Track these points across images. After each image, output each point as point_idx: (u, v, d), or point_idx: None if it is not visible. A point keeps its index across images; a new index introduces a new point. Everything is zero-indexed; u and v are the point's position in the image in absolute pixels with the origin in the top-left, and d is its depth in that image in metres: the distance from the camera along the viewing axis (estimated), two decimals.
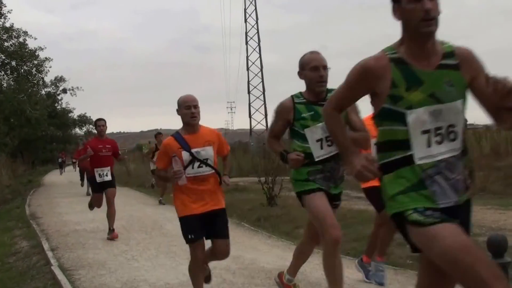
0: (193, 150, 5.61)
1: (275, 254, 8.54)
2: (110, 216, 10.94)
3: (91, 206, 12.00)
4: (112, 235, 10.69)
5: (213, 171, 5.71)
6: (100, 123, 11.11)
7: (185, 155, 5.58)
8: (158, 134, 18.36)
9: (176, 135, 5.75)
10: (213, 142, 5.76)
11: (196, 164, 5.61)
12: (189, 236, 5.62)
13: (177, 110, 5.76)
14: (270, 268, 7.56)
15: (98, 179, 10.87)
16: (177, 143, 5.66)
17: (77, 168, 49.48)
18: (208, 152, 5.67)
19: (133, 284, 7.10)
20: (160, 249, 9.43)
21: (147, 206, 16.98)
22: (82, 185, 23.65)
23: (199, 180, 5.62)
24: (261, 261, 8.02)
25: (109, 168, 10.98)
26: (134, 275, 7.59)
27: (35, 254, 9.75)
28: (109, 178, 10.95)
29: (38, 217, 15.22)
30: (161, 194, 17.44)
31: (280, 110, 5.26)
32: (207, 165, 5.65)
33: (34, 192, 26.37)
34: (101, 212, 15.23)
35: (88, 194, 21.77)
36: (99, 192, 11.10)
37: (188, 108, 5.61)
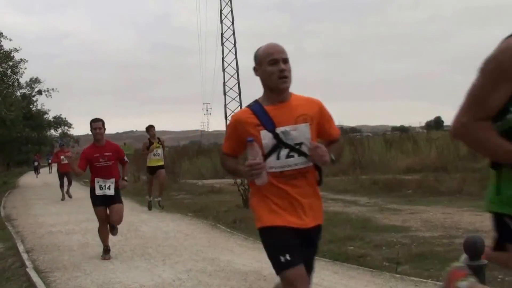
0: (280, 130, 3.63)
1: (251, 256, 8.55)
2: (110, 229, 9.14)
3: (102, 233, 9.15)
4: (105, 257, 8.82)
5: (311, 163, 3.71)
6: (95, 125, 8.79)
7: (267, 136, 3.64)
8: (150, 127, 15.75)
9: (255, 105, 3.77)
10: (311, 118, 3.72)
11: (284, 152, 3.65)
12: (282, 258, 3.54)
13: (254, 68, 3.79)
14: (246, 270, 7.58)
15: (98, 192, 8.75)
16: (254, 117, 3.70)
17: (53, 170, 49.34)
18: (302, 132, 3.65)
19: (108, 286, 7.07)
20: (135, 251, 9.40)
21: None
22: (63, 193, 21.50)
23: (288, 177, 3.67)
24: (237, 263, 8.04)
25: (113, 180, 8.84)
26: (109, 277, 7.56)
27: (10, 256, 9.70)
28: (111, 192, 8.79)
29: (13, 219, 15.13)
30: (150, 194, 15.81)
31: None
32: (301, 153, 3.66)
33: (9, 194, 26.20)
34: (76, 214, 15.21)
35: (62, 199, 20.92)
36: (101, 206, 8.86)
37: (274, 63, 3.61)
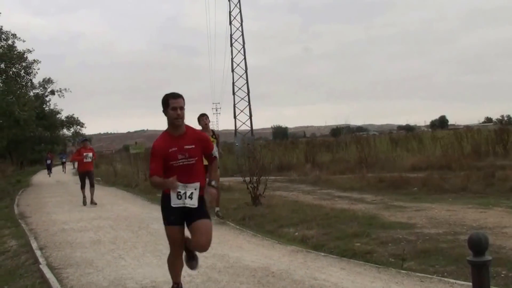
0: None
1: (259, 253, 8.66)
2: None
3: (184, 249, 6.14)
4: None
5: None
6: (175, 103, 5.77)
7: None
8: (202, 115, 12.30)
9: None
10: None
11: None
12: None
13: None
14: (255, 266, 7.68)
15: (175, 202, 5.80)
16: None
17: (67, 170, 49.50)
18: None
19: (120, 282, 7.19)
20: (146, 247, 9.52)
21: (134, 205, 17.02)
22: (84, 195, 17.94)
23: None
24: (246, 260, 8.13)
25: (197, 185, 5.85)
26: (121, 273, 7.68)
27: (23, 253, 9.85)
28: (193, 203, 5.79)
29: (26, 216, 15.32)
30: (217, 203, 12.12)
31: None
32: None
33: (23, 192, 26.42)
34: (88, 211, 15.37)
35: (84, 203, 17.55)
36: (176, 224, 5.85)
37: None
